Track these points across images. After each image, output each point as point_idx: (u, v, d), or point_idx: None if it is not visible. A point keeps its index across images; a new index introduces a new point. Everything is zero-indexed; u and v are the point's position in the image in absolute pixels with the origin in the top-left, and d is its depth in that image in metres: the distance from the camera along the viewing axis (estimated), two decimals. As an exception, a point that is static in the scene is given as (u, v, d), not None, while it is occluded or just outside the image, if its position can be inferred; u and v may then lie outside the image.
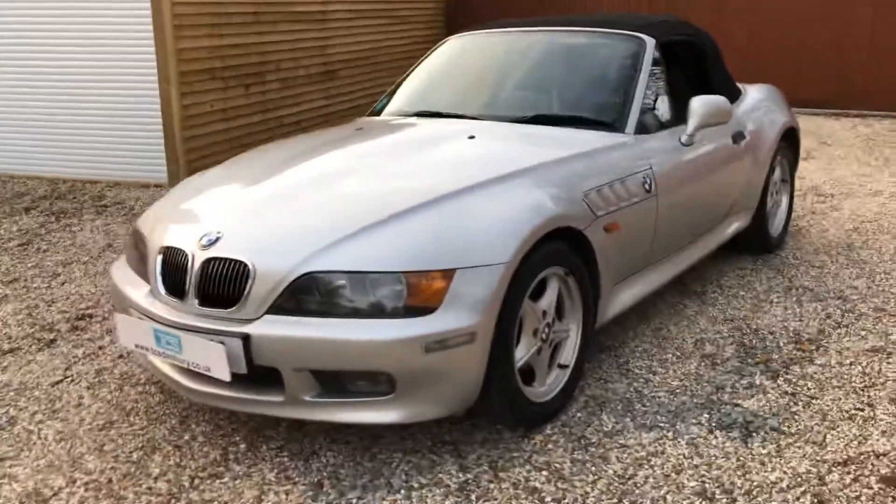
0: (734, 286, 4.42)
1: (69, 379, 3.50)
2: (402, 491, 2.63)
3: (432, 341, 2.51)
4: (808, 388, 3.26)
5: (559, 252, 2.89)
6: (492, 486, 2.65)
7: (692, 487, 2.63)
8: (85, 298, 4.48)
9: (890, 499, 2.55)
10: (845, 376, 3.37)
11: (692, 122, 3.68)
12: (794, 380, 3.33)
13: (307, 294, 2.58)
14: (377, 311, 2.55)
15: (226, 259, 2.67)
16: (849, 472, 2.70)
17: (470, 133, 3.50)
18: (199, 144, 7.04)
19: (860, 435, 2.92)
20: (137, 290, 2.94)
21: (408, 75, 4.45)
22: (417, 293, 2.54)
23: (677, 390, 3.25)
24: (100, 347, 3.83)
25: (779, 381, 3.33)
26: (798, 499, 2.57)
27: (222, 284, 2.67)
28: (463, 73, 4.24)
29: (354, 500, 2.59)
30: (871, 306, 4.11)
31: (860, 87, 10.07)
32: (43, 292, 4.61)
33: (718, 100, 3.72)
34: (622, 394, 3.22)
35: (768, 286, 4.41)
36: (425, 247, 2.62)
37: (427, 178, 3.03)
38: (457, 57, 4.33)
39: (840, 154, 7.83)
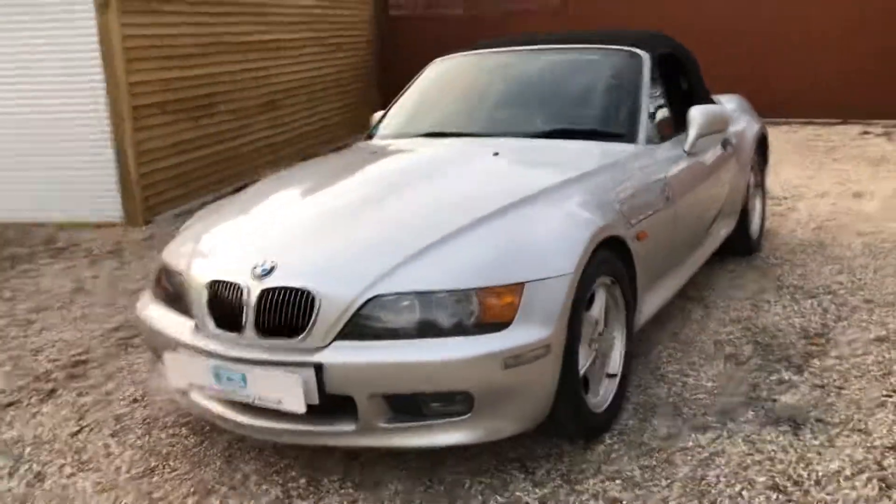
0: (728, 288, 4.55)
1: (88, 428, 3.34)
2: (483, 511, 2.60)
3: (510, 356, 2.50)
4: (834, 380, 3.38)
5: (608, 261, 2.93)
6: (571, 498, 2.65)
7: (763, 482, 2.69)
8: (72, 345, 4.27)
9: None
10: (862, 366, 3.51)
11: (693, 131, 3.79)
12: (818, 372, 3.45)
13: (376, 317, 2.54)
14: (449, 330, 2.52)
15: (287, 288, 2.59)
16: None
17: (494, 150, 3.51)
18: (154, 180, 6.84)
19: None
20: (181, 328, 2.82)
21: (398, 98, 4.44)
22: (489, 309, 2.53)
23: (715, 391, 3.32)
24: (107, 393, 3.66)
25: (804, 374, 3.44)
26: (865, 485, 2.65)
27: (284, 314, 2.59)
28: (464, 93, 4.26)
29: None
30: (861, 298, 4.30)
31: (781, 96, 10.56)
32: (23, 341, 4.38)
33: (716, 109, 3.85)
34: (665, 398, 3.27)
35: (760, 286, 4.56)
36: (493, 262, 2.61)
37: (473, 195, 3.04)
38: (453, 78, 4.36)
39: (779, 159, 8.18)
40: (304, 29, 9.32)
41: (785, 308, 4.21)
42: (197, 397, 2.87)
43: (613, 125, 3.70)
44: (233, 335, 2.65)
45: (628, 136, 3.63)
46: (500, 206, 2.88)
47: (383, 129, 4.26)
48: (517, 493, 2.69)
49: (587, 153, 3.46)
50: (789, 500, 2.59)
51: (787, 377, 3.42)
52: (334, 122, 10.29)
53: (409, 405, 2.58)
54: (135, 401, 3.55)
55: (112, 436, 3.26)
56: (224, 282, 2.71)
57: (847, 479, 2.69)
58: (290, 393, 2.52)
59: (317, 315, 2.54)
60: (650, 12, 10.46)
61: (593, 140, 3.63)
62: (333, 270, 2.63)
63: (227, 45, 7.70)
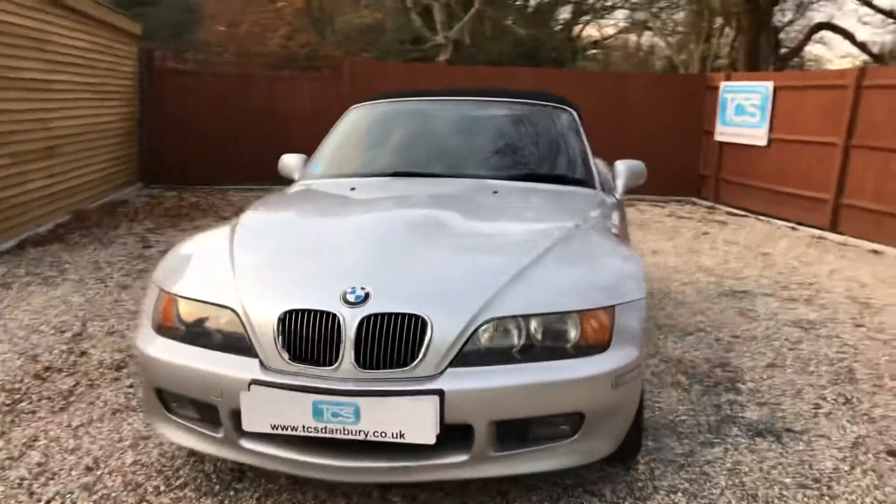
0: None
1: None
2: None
3: (618, 375, 2.60)
4: (767, 398, 3.87)
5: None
6: (652, 513, 2.77)
7: (790, 482, 3.02)
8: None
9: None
10: (777, 386, 4.05)
11: (620, 182, 4.19)
12: (750, 393, 3.92)
13: (487, 342, 2.51)
14: (556, 353, 2.56)
15: (395, 315, 2.46)
16: (867, 449, 3.30)
17: (493, 189, 3.60)
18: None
19: (846, 424, 3.57)
20: (241, 367, 2.52)
21: (326, 142, 4.33)
22: (590, 331, 2.61)
23: (691, 412, 3.64)
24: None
25: (742, 395, 3.89)
26: (864, 476, 3.10)
27: (389, 343, 2.45)
28: (417, 137, 4.25)
29: None
30: (728, 334, 4.94)
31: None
32: None
33: (637, 163, 4.29)
34: (658, 422, 3.52)
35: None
36: (586, 287, 2.71)
37: (523, 227, 3.10)
38: (395, 122, 4.35)
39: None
40: (82, 72, 8.54)
41: (675, 344, 4.68)
42: (256, 444, 2.56)
43: (577, 172, 3.96)
44: (320, 369, 2.43)
45: (590, 182, 3.91)
46: (556, 237, 2.97)
47: (326, 169, 4.12)
48: None
49: (574, 195, 3.67)
50: (822, 496, 2.92)
51: (732, 398, 3.83)
52: (108, 172, 9.46)
53: (515, 432, 2.55)
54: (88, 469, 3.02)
55: (100, 506, 2.75)
56: (308, 311, 2.48)
57: (848, 472, 3.10)
58: (417, 423, 2.38)
59: (430, 342, 2.44)
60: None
61: (560, 185, 3.84)
62: (444, 296, 2.55)
63: (7, 80, 6.82)
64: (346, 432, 2.40)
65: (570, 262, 2.82)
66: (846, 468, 3.14)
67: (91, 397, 3.66)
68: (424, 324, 2.44)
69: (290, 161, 4.41)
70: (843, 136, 9.22)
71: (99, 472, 2.97)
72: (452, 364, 2.45)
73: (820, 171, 9.49)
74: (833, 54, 21.90)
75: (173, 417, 2.76)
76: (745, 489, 2.94)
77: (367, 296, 2.49)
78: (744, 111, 11.21)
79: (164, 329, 2.75)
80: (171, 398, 2.74)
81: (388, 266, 2.66)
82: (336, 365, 2.43)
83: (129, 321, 4.77)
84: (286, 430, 2.43)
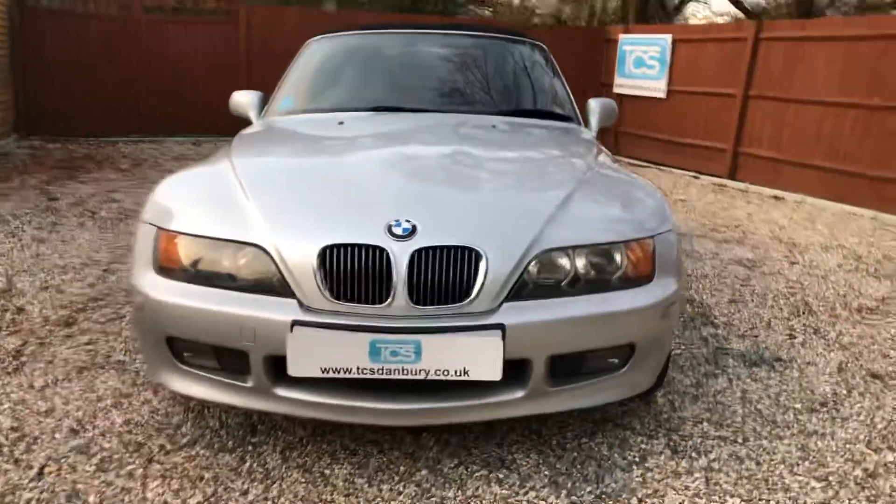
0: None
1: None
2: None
3: (666, 306, 2.56)
4: (742, 330, 3.96)
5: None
6: (689, 442, 2.76)
7: (800, 407, 3.09)
8: None
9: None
10: (755, 317, 4.15)
11: (594, 120, 4.13)
12: (725, 325, 4.00)
13: (540, 275, 2.40)
14: (603, 285, 2.49)
15: (448, 248, 2.31)
16: (853, 373, 3.44)
17: (490, 123, 3.46)
18: None
19: (823, 351, 3.70)
20: (277, 308, 2.31)
21: (288, 77, 4.05)
22: (634, 263, 2.55)
23: (682, 346, 3.67)
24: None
25: (720, 329, 3.97)
26: (863, 396, 3.21)
27: (443, 277, 2.30)
28: (393, 71, 4.00)
29: (594, 489, 2.47)
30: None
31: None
32: None
33: (609, 101, 4.24)
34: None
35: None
36: (627, 218, 2.63)
37: (547, 159, 3.00)
38: (362, 55, 4.09)
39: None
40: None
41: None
42: (294, 391, 2.36)
43: (563, 109, 3.87)
44: (370, 307, 2.25)
45: (574, 118, 3.83)
46: (581, 171, 2.88)
47: (298, 105, 3.83)
48: (644, 447, 2.71)
49: (570, 132, 3.58)
50: (834, 418, 3.01)
51: (713, 331, 3.90)
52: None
53: (569, 366, 2.47)
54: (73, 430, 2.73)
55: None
56: (352, 246, 2.29)
57: (847, 395, 3.21)
58: (481, 360, 2.24)
59: (486, 275, 2.30)
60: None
61: (548, 120, 3.75)
62: (494, 228, 2.40)
63: None
64: (405, 372, 2.23)
65: (605, 196, 2.73)
66: (844, 391, 3.23)
67: (47, 356, 3.30)
68: (479, 256, 2.29)
69: (243, 99, 4.09)
70: (741, 87, 9.55)
71: (89, 435, 2.67)
72: (508, 298, 2.31)
73: (719, 121, 9.81)
74: (712, 12, 22.85)
75: (186, 368, 2.50)
76: (763, 416, 2.97)
77: (413, 228, 2.31)
78: (643, 63, 11.43)
79: (168, 271, 2.47)
80: (183, 346, 2.48)
81: (429, 199, 2.49)
82: (388, 302, 2.25)
83: (62, 276, 4.35)
84: (338, 372, 2.24)
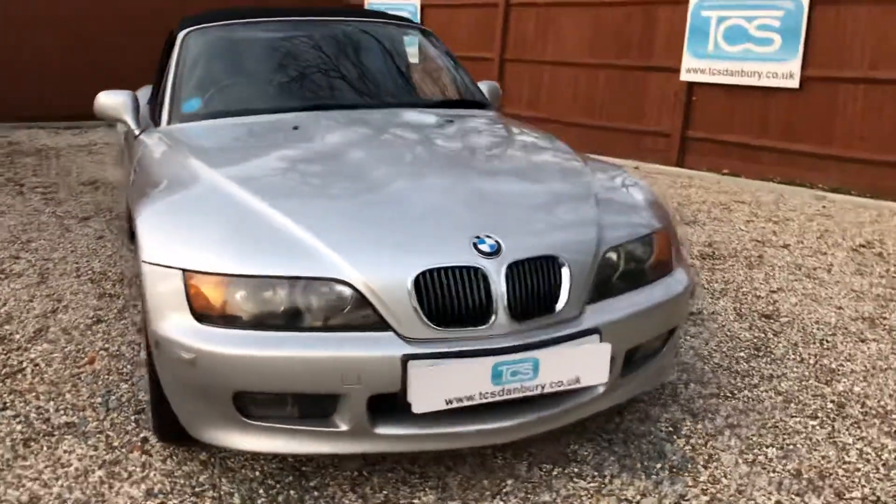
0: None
1: None
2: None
3: (691, 291, 2.81)
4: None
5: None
6: (715, 422, 3.07)
7: (740, 353, 3.55)
8: None
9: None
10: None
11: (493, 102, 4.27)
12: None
13: (605, 273, 2.53)
14: (642, 276, 2.66)
15: (534, 259, 2.34)
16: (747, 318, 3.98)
17: (448, 118, 3.44)
18: None
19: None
20: (378, 344, 2.20)
21: (172, 78, 3.66)
22: (661, 251, 2.75)
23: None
24: None
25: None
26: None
27: (534, 289, 2.35)
28: (291, 66, 3.74)
29: (663, 464, 2.68)
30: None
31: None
32: None
33: (494, 84, 4.40)
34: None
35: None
36: (643, 209, 2.82)
37: (535, 153, 3.07)
38: (260, 48, 3.79)
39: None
40: None
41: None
42: (394, 428, 2.28)
43: (477, 95, 3.93)
44: (474, 329, 2.23)
45: (489, 105, 3.93)
46: (575, 164, 3.00)
47: (212, 107, 3.49)
48: (667, 417, 2.96)
49: (510, 122, 3.67)
50: (775, 359, 3.49)
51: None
52: None
53: (633, 356, 2.62)
54: None
55: None
56: (448, 269, 2.24)
57: (766, 339, 3.72)
58: (591, 366, 2.33)
59: (571, 282, 2.39)
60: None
61: (476, 109, 3.81)
62: (563, 232, 2.47)
63: None
64: (524, 390, 2.24)
65: (613, 189, 2.86)
66: (762, 335, 3.72)
67: (-26, 431, 2.78)
68: (560, 263, 2.34)
69: (114, 100, 3.64)
70: (497, 51, 10.11)
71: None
72: (588, 301, 2.40)
73: (479, 83, 10.32)
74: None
75: (256, 423, 2.27)
76: (725, 368, 3.34)
77: (498, 244, 2.30)
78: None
79: (214, 318, 2.22)
80: (252, 401, 2.25)
81: (491, 210, 2.47)
82: (491, 321, 2.23)
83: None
84: (462, 401, 2.19)
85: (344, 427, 2.22)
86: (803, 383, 3.23)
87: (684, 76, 8.40)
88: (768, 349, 3.56)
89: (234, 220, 2.40)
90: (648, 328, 2.53)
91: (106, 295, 4.11)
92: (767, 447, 2.72)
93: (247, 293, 2.19)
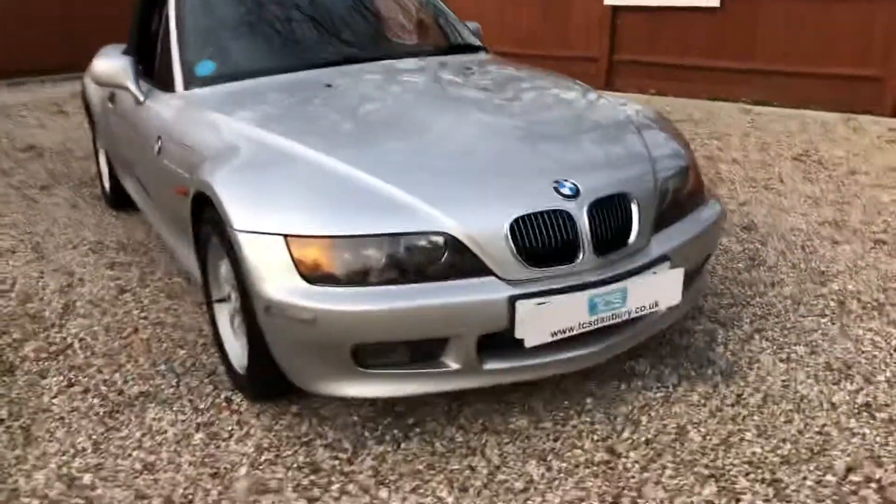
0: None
1: None
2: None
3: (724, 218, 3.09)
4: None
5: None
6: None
7: (739, 265, 3.91)
8: None
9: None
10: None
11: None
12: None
13: (662, 207, 2.77)
14: (682, 206, 2.89)
15: (609, 196, 2.56)
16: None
17: (467, 65, 3.57)
18: None
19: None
20: (483, 289, 2.38)
21: (179, 38, 3.61)
22: (694, 182, 3.00)
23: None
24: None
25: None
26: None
27: (611, 225, 2.57)
28: (297, 20, 3.74)
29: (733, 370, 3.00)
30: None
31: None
32: None
33: (478, 26, 4.52)
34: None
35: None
36: (674, 140, 3.08)
37: (562, 94, 3.25)
38: (263, 4, 3.78)
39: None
40: None
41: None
42: (500, 362, 2.49)
43: (472, 39, 4.06)
44: (565, 267, 2.44)
45: (486, 48, 4.08)
46: (602, 101, 3.22)
47: (229, 68, 3.48)
48: (700, 328, 3.28)
49: (506, 62, 3.83)
50: (772, 267, 3.86)
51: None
52: None
53: (689, 276, 2.88)
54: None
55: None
56: (538, 214, 2.44)
57: (757, 251, 4.09)
58: (668, 290, 2.58)
59: (640, 215, 2.62)
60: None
61: (474, 53, 3.95)
62: (627, 169, 2.68)
63: None
64: (614, 317, 2.48)
65: (645, 123, 3.09)
66: (753, 248, 4.08)
67: None
68: (630, 199, 2.57)
69: (113, 65, 3.60)
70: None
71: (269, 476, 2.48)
72: (653, 231, 2.65)
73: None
74: None
75: (371, 371, 2.44)
76: (731, 279, 3.68)
77: (576, 186, 2.50)
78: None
79: (324, 278, 2.36)
80: (367, 352, 2.41)
81: (559, 153, 2.66)
82: (580, 259, 2.45)
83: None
84: (564, 333, 2.41)
85: (455, 366, 2.40)
86: (802, 286, 3.59)
87: (608, 1, 8.64)
88: (761, 259, 3.92)
89: (318, 181, 2.50)
90: (700, 252, 2.80)
91: (116, 264, 4.10)
92: (794, 346, 3.07)
93: (351, 252, 2.32)
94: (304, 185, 2.49)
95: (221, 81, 3.37)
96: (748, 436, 2.53)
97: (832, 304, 3.42)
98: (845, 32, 7.23)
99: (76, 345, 3.26)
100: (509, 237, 2.34)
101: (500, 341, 2.39)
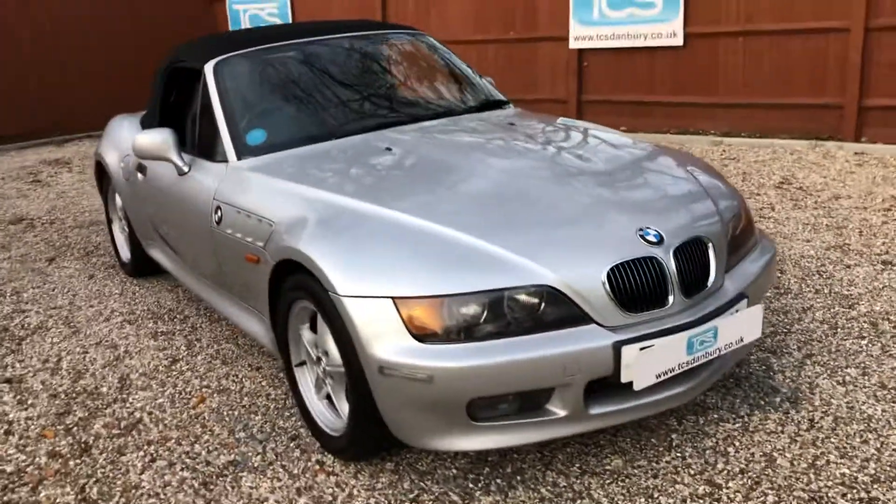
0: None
1: None
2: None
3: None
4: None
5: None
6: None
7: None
8: None
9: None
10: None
11: None
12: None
13: (729, 248, 2.95)
14: (746, 244, 3.07)
15: (691, 241, 2.72)
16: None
17: (509, 120, 3.72)
18: None
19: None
20: (587, 336, 2.50)
21: (225, 114, 3.69)
22: (747, 221, 3.19)
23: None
24: None
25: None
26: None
27: (693, 268, 2.74)
28: (337, 86, 3.85)
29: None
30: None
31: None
32: None
33: (492, 80, 4.71)
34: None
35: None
36: (724, 185, 3.27)
37: (608, 141, 3.42)
38: (301, 70, 3.85)
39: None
40: None
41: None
42: (603, 406, 2.61)
43: (498, 94, 4.24)
44: (658, 311, 2.57)
45: (508, 102, 4.25)
46: (651, 150, 3.41)
47: (278, 137, 3.58)
48: (762, 361, 3.46)
49: (539, 116, 4.01)
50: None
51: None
52: None
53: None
54: None
55: None
56: (631, 262, 2.59)
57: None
58: (751, 326, 2.74)
59: (716, 256, 2.80)
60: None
61: (500, 109, 4.13)
62: (697, 214, 2.86)
63: None
64: (707, 355, 2.62)
65: (698, 170, 3.28)
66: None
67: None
68: (706, 243, 2.74)
69: (155, 139, 3.67)
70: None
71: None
72: (724, 271, 2.82)
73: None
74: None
75: (482, 424, 2.54)
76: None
77: (659, 233, 2.67)
78: (262, 20, 11.50)
79: (432, 336, 2.47)
80: (481, 405, 2.51)
81: (629, 203, 2.80)
82: (670, 301, 2.60)
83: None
84: (667, 374, 2.54)
85: (562, 413, 2.51)
86: (832, 311, 3.80)
87: (573, 44, 8.97)
88: (785, 287, 4.13)
89: (413, 243, 2.60)
90: (765, 287, 2.97)
91: (159, 334, 4.10)
92: (846, 368, 3.25)
93: (458, 309, 2.42)
94: (402, 246, 2.58)
95: (273, 150, 3.45)
96: (832, 458, 2.68)
97: (866, 325, 3.62)
98: (802, 64, 7.63)
99: (146, 419, 3.26)
100: (606, 285, 2.47)
101: (600, 386, 2.50)
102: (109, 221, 5.15)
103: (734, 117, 8.15)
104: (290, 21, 11.12)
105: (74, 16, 10.73)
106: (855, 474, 2.58)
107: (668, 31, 8.33)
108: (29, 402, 3.46)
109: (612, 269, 2.49)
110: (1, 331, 4.25)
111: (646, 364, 2.44)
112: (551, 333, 2.44)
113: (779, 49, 7.73)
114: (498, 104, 4.13)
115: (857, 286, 4.06)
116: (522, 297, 2.44)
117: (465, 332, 2.41)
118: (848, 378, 3.16)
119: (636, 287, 2.51)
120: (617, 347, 2.43)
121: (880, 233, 4.86)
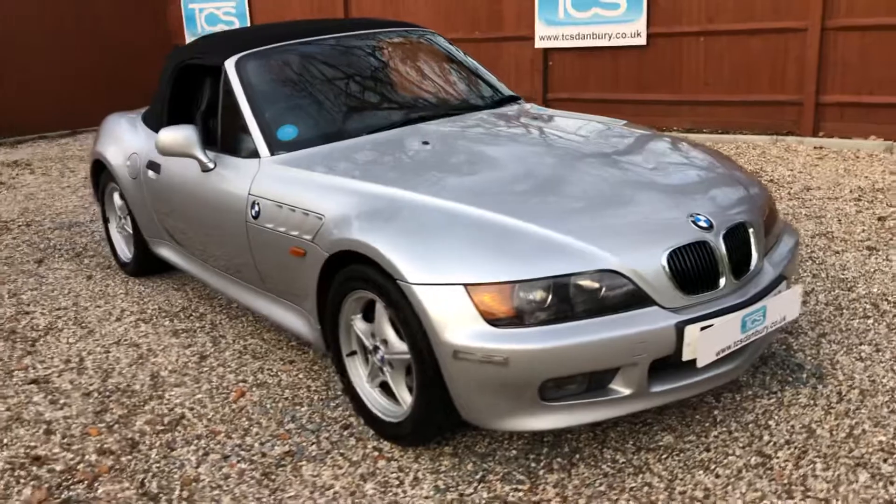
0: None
1: None
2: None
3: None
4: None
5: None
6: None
7: None
8: None
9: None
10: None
11: None
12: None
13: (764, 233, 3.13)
14: (775, 230, 3.25)
15: (737, 225, 2.89)
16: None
17: (530, 114, 3.84)
18: None
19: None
20: (651, 318, 2.63)
21: (257, 110, 3.71)
22: (772, 209, 3.37)
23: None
24: None
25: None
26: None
27: (738, 251, 2.91)
28: (369, 80, 3.94)
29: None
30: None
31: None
32: None
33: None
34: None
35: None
36: (747, 175, 3.45)
37: (633, 130, 3.56)
38: (324, 67, 3.91)
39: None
40: None
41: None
42: (664, 384, 2.75)
43: (507, 90, 4.36)
44: (712, 292, 2.72)
45: (520, 98, 4.38)
46: (675, 142, 3.57)
47: (310, 132, 3.62)
48: (781, 341, 3.65)
49: (556, 111, 4.14)
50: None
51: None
52: None
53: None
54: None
55: None
56: (687, 246, 2.73)
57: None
58: (791, 304, 2.91)
59: (757, 241, 2.97)
60: None
61: (517, 103, 4.25)
62: (738, 201, 3.02)
63: None
64: (757, 333, 2.79)
65: (722, 159, 3.45)
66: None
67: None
68: (748, 227, 2.91)
69: (179, 135, 3.68)
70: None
71: None
72: (763, 255, 3.00)
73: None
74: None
75: (551, 404, 2.65)
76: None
77: (708, 219, 2.82)
78: (219, 20, 11.39)
79: (504, 321, 2.57)
80: (550, 386, 2.63)
81: (676, 191, 2.94)
82: (722, 283, 2.76)
83: None
84: (724, 351, 2.69)
85: (626, 392, 2.63)
86: (833, 293, 4.03)
87: (539, 44, 9.15)
88: (785, 272, 4.34)
89: (478, 231, 2.69)
90: (795, 269, 3.15)
91: (179, 331, 4.09)
92: (860, 346, 3.47)
93: (527, 294, 2.52)
94: (464, 235, 2.67)
95: (305, 146, 3.49)
96: (867, 427, 2.87)
97: (868, 306, 3.85)
98: (761, 62, 7.96)
99: (188, 414, 3.27)
100: (666, 268, 2.60)
101: (661, 365, 2.63)
102: (106, 222, 5.08)
103: (697, 114, 8.44)
104: (248, 20, 11.03)
105: (22, 16, 10.44)
106: (892, 441, 2.77)
107: (632, 30, 8.57)
108: (61, 401, 3.42)
109: (671, 253, 2.61)
110: (10, 333, 4.16)
111: (707, 342, 2.58)
112: (616, 316, 2.55)
113: (739, 48, 8.03)
114: (512, 99, 4.23)
115: (849, 270, 4.30)
116: (587, 282, 2.55)
117: (533, 316, 2.51)
118: (864, 354, 3.37)
119: (692, 270, 2.64)
120: (680, 328, 2.56)
121: (857, 221, 5.13)
